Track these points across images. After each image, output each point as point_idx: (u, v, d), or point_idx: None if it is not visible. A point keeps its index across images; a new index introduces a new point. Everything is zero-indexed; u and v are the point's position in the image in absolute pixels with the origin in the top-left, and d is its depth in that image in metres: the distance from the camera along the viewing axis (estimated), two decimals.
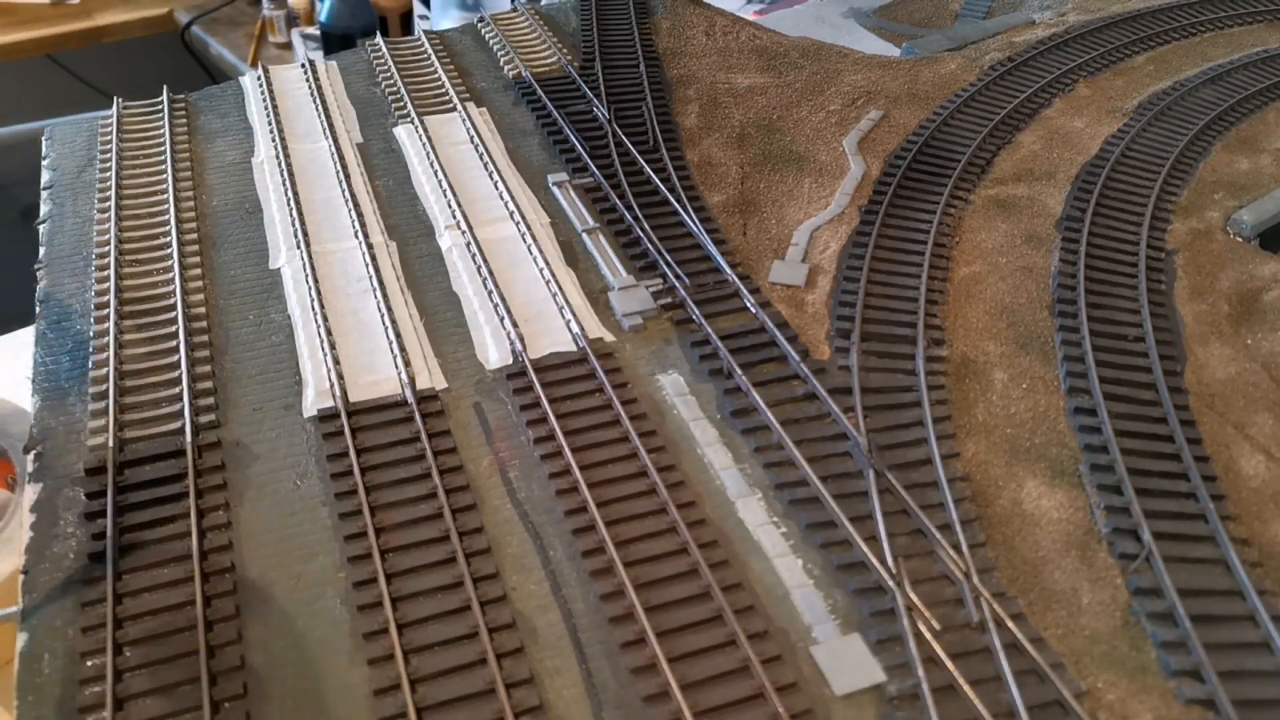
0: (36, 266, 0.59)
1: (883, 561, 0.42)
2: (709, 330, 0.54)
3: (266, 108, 0.73)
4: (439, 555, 0.42)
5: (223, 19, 1.55)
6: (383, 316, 0.54)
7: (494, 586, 0.41)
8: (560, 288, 0.56)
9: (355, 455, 0.46)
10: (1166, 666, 0.40)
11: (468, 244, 0.60)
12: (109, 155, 0.67)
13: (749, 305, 0.56)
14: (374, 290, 0.56)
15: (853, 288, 0.57)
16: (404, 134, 0.72)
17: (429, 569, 0.42)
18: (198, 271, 0.58)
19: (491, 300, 0.56)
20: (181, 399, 0.49)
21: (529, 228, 0.61)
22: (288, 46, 1.47)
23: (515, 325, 0.53)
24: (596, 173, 0.67)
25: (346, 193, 0.64)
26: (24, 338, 0.71)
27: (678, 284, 0.57)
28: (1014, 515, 0.46)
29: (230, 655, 0.39)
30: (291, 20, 1.47)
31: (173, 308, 0.55)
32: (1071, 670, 0.39)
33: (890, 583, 0.41)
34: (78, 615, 0.40)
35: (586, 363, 0.52)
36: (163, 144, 0.69)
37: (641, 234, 0.61)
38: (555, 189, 0.66)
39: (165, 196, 0.64)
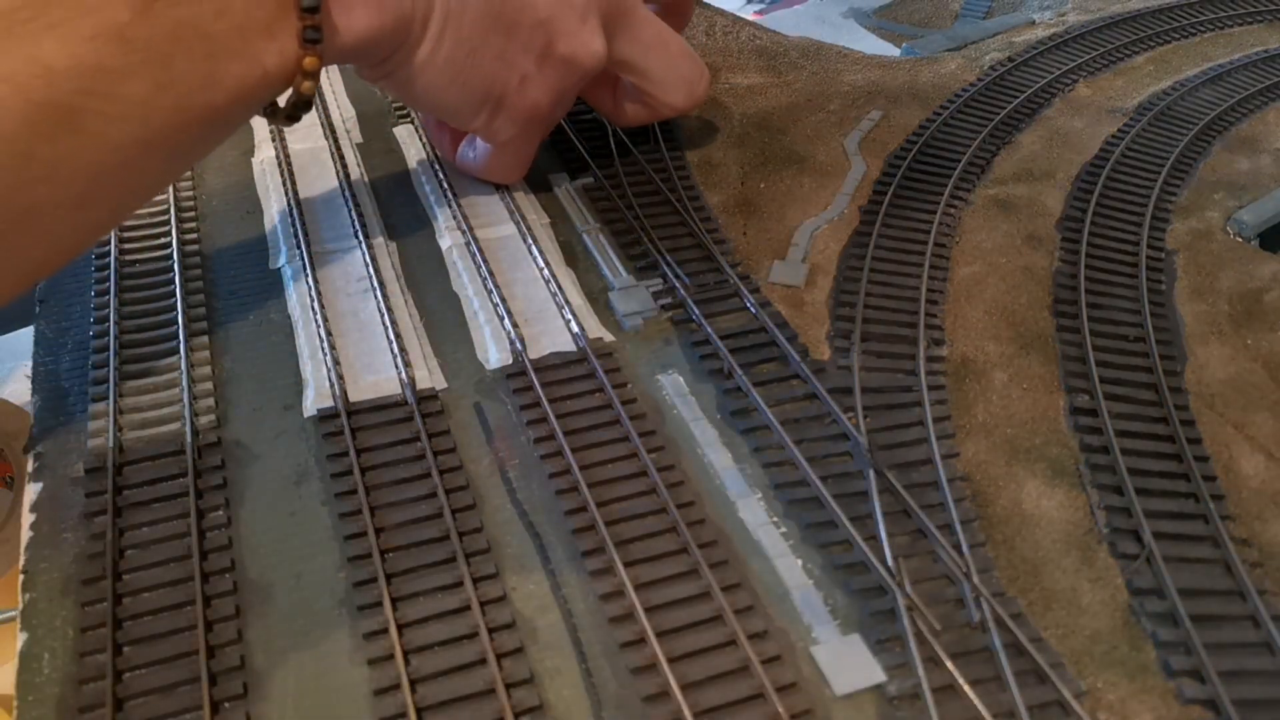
0: None
1: (883, 561, 0.42)
2: (709, 330, 0.54)
3: None
4: (439, 555, 0.42)
5: None
6: (383, 316, 0.54)
7: (494, 586, 0.41)
8: (560, 288, 0.56)
9: (355, 455, 0.46)
10: (1167, 667, 0.40)
11: (468, 244, 0.60)
12: None
13: (749, 305, 0.56)
14: (374, 290, 0.56)
15: (853, 288, 0.58)
16: (404, 134, 0.72)
17: (429, 569, 0.42)
18: (198, 271, 0.58)
19: (491, 300, 0.56)
20: (181, 399, 0.49)
21: (529, 228, 0.61)
22: None
23: (515, 325, 0.53)
24: (597, 172, 0.67)
25: (346, 193, 0.64)
26: (24, 338, 0.71)
27: (678, 284, 0.57)
28: (1014, 515, 0.46)
29: (230, 655, 0.39)
30: None
31: (173, 308, 0.55)
32: (1071, 670, 0.39)
33: (890, 583, 0.41)
34: (78, 615, 0.40)
35: (586, 363, 0.52)
36: None
37: (641, 234, 0.61)
38: (555, 189, 0.66)
39: (165, 196, 0.64)
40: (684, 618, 0.40)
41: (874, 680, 0.39)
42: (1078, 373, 0.53)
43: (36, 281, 0.42)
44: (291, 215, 0.62)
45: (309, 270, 0.57)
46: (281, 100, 0.48)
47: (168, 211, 0.62)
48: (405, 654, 0.39)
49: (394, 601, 0.41)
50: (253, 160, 0.69)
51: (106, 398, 0.49)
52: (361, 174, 0.67)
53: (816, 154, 0.71)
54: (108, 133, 0.38)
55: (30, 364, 0.53)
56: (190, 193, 0.65)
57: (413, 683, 0.38)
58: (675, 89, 0.61)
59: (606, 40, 0.56)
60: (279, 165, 0.67)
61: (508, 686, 0.38)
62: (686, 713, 0.37)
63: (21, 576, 0.42)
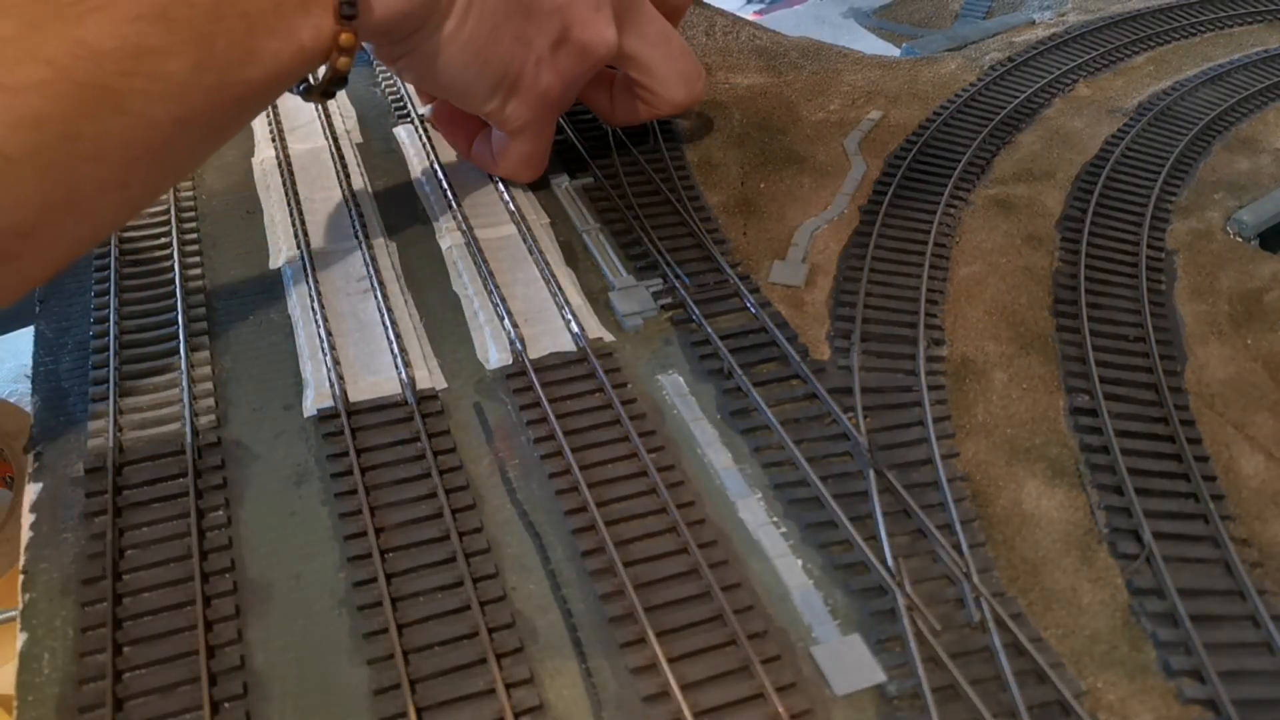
0: None
1: (883, 561, 0.42)
2: (709, 330, 0.54)
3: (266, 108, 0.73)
4: (439, 555, 0.42)
5: None
6: (383, 316, 0.54)
7: (494, 586, 0.41)
8: (560, 288, 0.56)
9: (355, 455, 0.46)
10: (1167, 667, 0.40)
11: (468, 244, 0.60)
12: None
13: (749, 305, 0.56)
14: (374, 290, 0.56)
15: (853, 288, 0.58)
16: (404, 134, 0.72)
17: (429, 569, 0.42)
18: (198, 271, 0.58)
19: (491, 300, 0.56)
20: (181, 399, 0.49)
21: (529, 228, 0.61)
22: None
23: (515, 325, 0.53)
24: (597, 173, 0.67)
25: (346, 193, 0.64)
26: (24, 338, 0.71)
27: (678, 284, 0.57)
28: (1014, 515, 0.46)
29: (230, 655, 0.39)
30: None
31: (173, 308, 0.55)
32: (1071, 670, 0.39)
33: (890, 583, 0.41)
34: (78, 615, 0.40)
35: (586, 363, 0.52)
36: None
37: (641, 234, 0.61)
38: (555, 189, 0.66)
39: (165, 196, 0.64)
40: (684, 618, 0.40)
41: (874, 680, 0.39)
42: (1078, 373, 0.53)
43: (74, 260, 0.44)
44: (291, 215, 0.62)
45: (309, 270, 0.57)
46: (314, 79, 0.50)
47: (168, 211, 0.62)
48: (405, 654, 0.39)
49: (394, 601, 0.41)
50: (253, 160, 0.69)
51: (106, 398, 0.49)
52: (362, 174, 0.67)
53: (816, 154, 0.71)
54: (151, 112, 0.39)
55: (30, 364, 0.53)
56: (190, 193, 0.65)
57: (413, 683, 0.38)
58: (676, 85, 0.62)
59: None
60: (279, 165, 0.67)
61: (508, 686, 0.38)
62: (686, 713, 0.37)
63: (21, 576, 0.42)
